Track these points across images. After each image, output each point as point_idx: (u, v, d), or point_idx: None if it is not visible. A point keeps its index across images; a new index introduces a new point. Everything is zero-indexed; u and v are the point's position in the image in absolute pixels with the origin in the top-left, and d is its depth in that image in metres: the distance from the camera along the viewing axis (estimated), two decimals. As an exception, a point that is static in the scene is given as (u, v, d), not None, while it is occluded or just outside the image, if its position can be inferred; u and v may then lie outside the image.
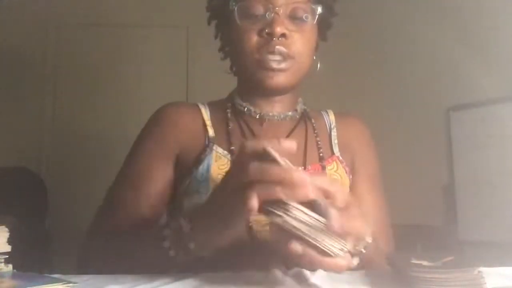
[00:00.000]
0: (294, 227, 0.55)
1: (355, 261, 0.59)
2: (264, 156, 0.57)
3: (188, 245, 0.66)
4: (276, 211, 0.55)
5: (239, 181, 0.58)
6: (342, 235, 0.56)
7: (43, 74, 3.26)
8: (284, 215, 0.55)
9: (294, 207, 0.55)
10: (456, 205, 2.94)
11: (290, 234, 0.55)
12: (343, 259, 0.57)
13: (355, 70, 3.22)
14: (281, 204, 0.55)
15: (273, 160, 0.56)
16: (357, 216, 0.59)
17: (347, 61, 3.14)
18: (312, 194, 0.55)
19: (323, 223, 0.55)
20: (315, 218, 0.56)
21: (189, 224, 0.66)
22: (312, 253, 0.55)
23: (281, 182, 0.54)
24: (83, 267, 0.84)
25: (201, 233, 0.65)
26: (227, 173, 0.65)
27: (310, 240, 0.55)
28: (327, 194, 0.58)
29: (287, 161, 0.58)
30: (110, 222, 0.86)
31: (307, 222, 0.55)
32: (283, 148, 0.57)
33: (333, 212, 0.55)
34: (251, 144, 0.58)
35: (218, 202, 0.64)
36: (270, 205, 0.55)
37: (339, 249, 0.56)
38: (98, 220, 0.89)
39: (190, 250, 0.66)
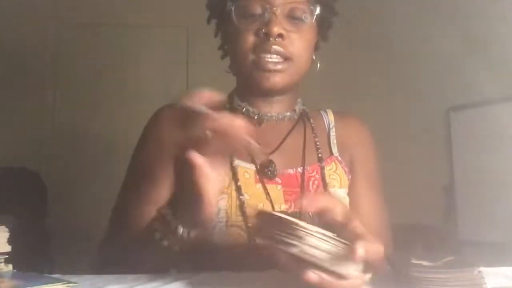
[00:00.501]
0: (312, 255, 0.53)
1: (367, 277, 0.58)
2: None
3: (177, 231, 0.67)
4: (290, 241, 0.53)
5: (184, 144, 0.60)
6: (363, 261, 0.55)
7: (43, 74, 3.26)
8: (300, 244, 0.53)
9: (308, 232, 0.53)
10: (456, 205, 2.94)
11: (303, 262, 0.54)
12: (358, 279, 0.56)
13: (355, 70, 3.22)
14: (293, 231, 0.54)
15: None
16: (373, 240, 0.58)
17: (347, 61, 3.14)
18: (246, 138, 0.56)
19: (338, 245, 0.54)
20: (332, 242, 0.54)
21: (170, 210, 0.68)
22: (328, 278, 0.54)
23: (215, 131, 0.57)
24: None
25: (182, 214, 0.66)
26: None
27: (326, 266, 0.54)
28: (326, 211, 0.59)
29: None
30: (121, 230, 0.87)
31: (323, 248, 0.54)
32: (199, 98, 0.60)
33: (359, 244, 0.54)
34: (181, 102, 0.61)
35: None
36: (281, 233, 0.54)
37: (354, 270, 0.55)
38: (110, 228, 0.90)
39: (181, 235, 0.67)
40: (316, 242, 0.54)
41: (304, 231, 0.53)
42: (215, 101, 0.60)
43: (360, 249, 0.53)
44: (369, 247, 0.55)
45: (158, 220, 0.69)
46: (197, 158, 0.58)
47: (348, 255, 0.54)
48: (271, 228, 0.55)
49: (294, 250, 0.53)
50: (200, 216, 0.64)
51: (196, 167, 0.59)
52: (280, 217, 0.56)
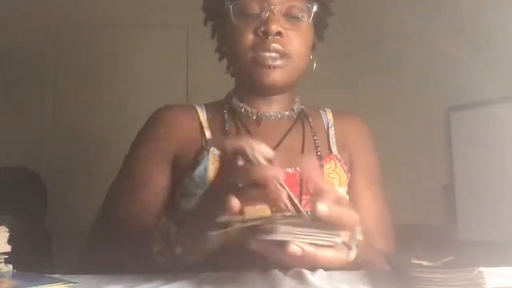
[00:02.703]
0: (286, 233, 0.53)
1: (353, 254, 0.58)
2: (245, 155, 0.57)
3: (175, 250, 0.65)
4: (267, 231, 0.53)
5: (221, 185, 0.59)
6: (331, 223, 0.55)
7: (43, 74, 3.26)
8: (272, 231, 0.52)
9: (278, 218, 0.54)
10: (456, 205, 2.94)
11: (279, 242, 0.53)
12: (341, 252, 0.56)
13: (355, 70, 3.22)
14: (266, 220, 0.54)
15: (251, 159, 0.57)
16: (346, 206, 0.58)
17: (347, 61, 3.14)
18: (281, 190, 0.55)
19: (311, 216, 0.54)
20: (303, 215, 0.55)
21: (175, 228, 0.66)
22: (311, 249, 0.53)
23: (256, 182, 0.55)
24: (85, 271, 0.84)
25: (187, 238, 0.65)
26: (214, 178, 0.66)
27: (305, 236, 0.53)
28: (317, 191, 0.58)
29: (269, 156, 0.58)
30: (109, 227, 0.87)
31: (297, 223, 0.54)
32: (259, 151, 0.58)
33: (320, 202, 0.54)
34: (230, 143, 0.59)
35: (204, 207, 0.64)
36: (255, 224, 0.54)
37: (334, 236, 0.54)
38: (98, 225, 0.90)
39: (178, 255, 0.65)
40: (287, 221, 0.53)
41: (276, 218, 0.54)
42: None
43: (321, 205, 0.53)
44: (337, 209, 0.54)
45: (160, 232, 0.68)
46: (234, 204, 0.56)
47: (326, 226, 0.53)
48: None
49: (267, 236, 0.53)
50: (207, 247, 0.64)
51: (228, 211, 0.57)
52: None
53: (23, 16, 3.15)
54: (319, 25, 0.97)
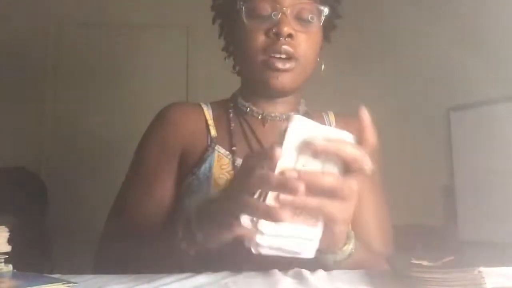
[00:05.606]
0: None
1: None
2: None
3: (196, 236, 0.67)
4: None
5: (241, 190, 0.60)
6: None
7: (43, 74, 3.26)
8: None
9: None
10: (456, 205, 2.94)
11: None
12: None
13: (355, 70, 3.22)
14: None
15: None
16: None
17: (347, 61, 3.14)
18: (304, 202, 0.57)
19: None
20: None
21: (196, 216, 0.68)
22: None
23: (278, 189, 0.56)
24: (100, 270, 0.84)
25: (206, 225, 0.66)
26: (233, 177, 0.68)
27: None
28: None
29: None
30: (122, 224, 0.87)
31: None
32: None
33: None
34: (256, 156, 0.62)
35: (223, 203, 0.65)
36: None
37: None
38: (110, 223, 0.91)
39: (198, 242, 0.67)
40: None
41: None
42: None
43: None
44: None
45: (182, 222, 0.70)
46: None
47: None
48: None
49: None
50: (224, 236, 0.65)
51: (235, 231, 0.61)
52: None
53: (23, 16, 3.15)
54: (327, 27, 0.97)
